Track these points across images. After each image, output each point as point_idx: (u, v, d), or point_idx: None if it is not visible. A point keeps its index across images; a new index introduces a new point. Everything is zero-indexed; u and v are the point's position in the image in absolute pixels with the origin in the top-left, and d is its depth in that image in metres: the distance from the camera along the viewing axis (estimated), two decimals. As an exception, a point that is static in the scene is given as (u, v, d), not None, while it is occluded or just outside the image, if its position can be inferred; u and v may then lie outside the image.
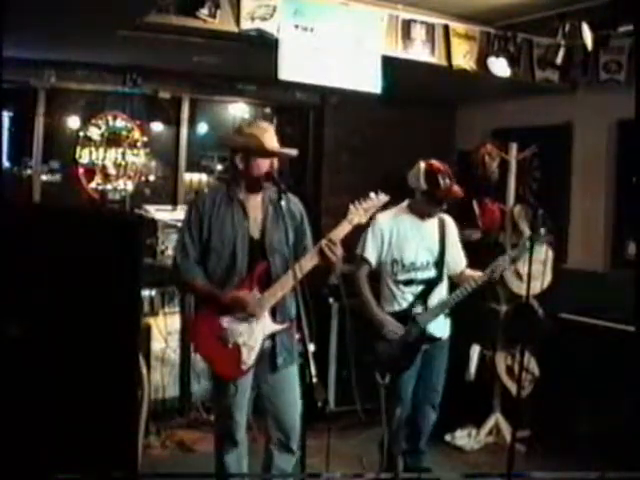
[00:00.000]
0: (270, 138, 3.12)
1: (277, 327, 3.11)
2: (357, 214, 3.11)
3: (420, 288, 3.86)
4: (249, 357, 3.06)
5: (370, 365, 3.85)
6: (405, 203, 3.95)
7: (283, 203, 2.99)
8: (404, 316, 3.84)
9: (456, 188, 3.81)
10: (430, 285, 3.88)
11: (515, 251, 3.88)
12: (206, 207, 3.12)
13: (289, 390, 3.21)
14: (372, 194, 3.15)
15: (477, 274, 3.90)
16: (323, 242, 3.02)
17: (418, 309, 3.85)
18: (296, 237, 3.14)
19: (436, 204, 3.85)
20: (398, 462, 4.12)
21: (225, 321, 3.06)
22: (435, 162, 3.86)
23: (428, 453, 4.17)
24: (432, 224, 3.93)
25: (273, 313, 3.11)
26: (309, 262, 3.02)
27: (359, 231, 3.92)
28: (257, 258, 3.10)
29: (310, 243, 3.24)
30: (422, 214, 3.91)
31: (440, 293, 3.92)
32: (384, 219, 3.86)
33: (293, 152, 3.21)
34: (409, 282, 3.86)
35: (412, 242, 3.87)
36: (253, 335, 3.06)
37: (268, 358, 3.16)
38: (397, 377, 3.85)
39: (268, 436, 3.30)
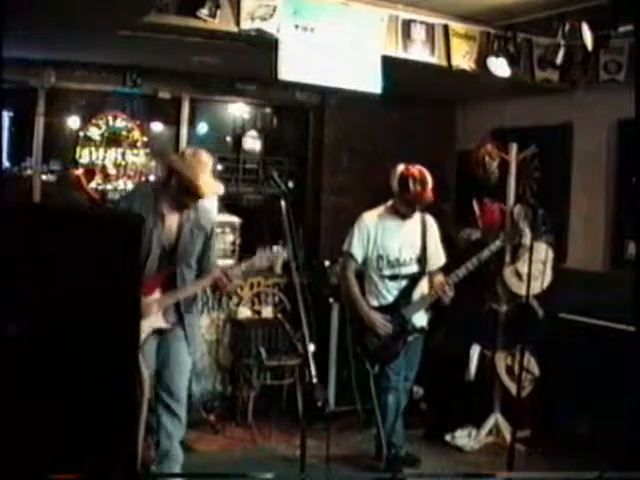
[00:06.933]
0: (204, 178, 3.35)
1: (163, 325, 3.48)
2: (259, 260, 3.51)
3: (404, 283, 4.11)
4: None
5: (361, 356, 4.12)
6: (389, 203, 4.15)
7: (197, 218, 3.46)
8: (390, 309, 4.09)
9: (427, 195, 4.00)
10: (413, 280, 4.14)
11: (463, 270, 4.08)
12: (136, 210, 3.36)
13: (176, 356, 3.55)
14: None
15: (439, 280, 4.10)
16: (217, 273, 3.47)
17: (403, 303, 4.09)
18: (203, 249, 3.55)
19: (407, 206, 4.07)
20: (400, 452, 4.17)
21: None
22: (415, 168, 4.04)
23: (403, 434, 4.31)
24: (414, 223, 4.16)
25: (165, 313, 3.47)
26: (204, 282, 3.53)
27: (345, 232, 4.20)
28: (166, 265, 3.45)
29: (213, 256, 3.65)
30: (402, 214, 4.11)
31: (422, 287, 4.17)
32: (369, 217, 4.12)
33: (219, 190, 3.52)
34: (394, 277, 4.11)
35: (396, 239, 4.09)
36: (142, 327, 3.34)
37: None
38: (387, 367, 4.07)
39: (156, 395, 3.52)
